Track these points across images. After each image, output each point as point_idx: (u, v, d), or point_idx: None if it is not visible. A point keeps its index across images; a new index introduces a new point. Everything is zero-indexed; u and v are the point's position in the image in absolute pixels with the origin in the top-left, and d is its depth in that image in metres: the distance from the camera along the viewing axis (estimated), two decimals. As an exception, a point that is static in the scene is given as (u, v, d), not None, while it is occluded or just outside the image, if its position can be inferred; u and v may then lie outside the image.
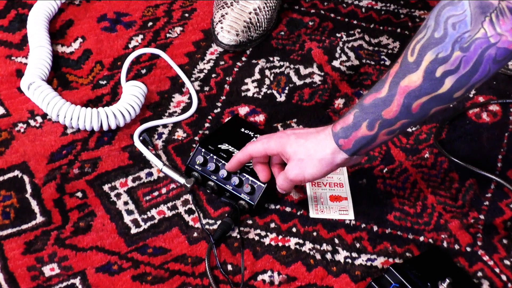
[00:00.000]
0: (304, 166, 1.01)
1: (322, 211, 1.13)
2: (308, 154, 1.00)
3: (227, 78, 1.31)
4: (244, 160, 1.08)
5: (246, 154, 1.06)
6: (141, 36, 1.36)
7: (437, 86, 0.90)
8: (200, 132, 1.23)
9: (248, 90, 1.29)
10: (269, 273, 1.06)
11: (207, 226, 1.10)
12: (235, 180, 1.10)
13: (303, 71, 1.33)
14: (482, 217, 1.14)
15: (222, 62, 1.33)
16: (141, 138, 1.20)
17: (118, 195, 1.13)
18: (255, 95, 1.29)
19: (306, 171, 1.01)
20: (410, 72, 0.91)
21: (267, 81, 1.31)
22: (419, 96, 0.91)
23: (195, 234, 1.09)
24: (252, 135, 1.15)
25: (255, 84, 1.30)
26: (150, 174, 1.16)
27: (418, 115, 0.94)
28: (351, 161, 1.01)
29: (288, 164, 1.03)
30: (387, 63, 1.35)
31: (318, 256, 1.08)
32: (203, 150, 1.13)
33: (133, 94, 1.21)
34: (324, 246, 1.09)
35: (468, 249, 1.10)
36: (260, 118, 1.25)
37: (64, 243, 1.07)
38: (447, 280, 0.98)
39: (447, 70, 0.88)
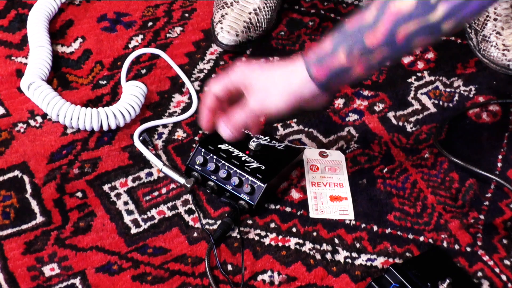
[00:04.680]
0: (267, 96, 0.93)
1: (322, 211, 1.13)
2: (273, 83, 0.92)
3: (227, 78, 1.31)
4: (211, 104, 0.98)
5: (211, 96, 0.98)
6: (141, 36, 1.36)
7: (429, 10, 0.86)
8: (200, 132, 1.23)
9: (248, 90, 1.29)
10: (269, 273, 1.06)
11: (207, 226, 1.10)
12: (235, 180, 1.10)
13: (303, 71, 1.33)
14: (482, 217, 1.14)
15: (222, 62, 1.33)
16: (141, 138, 1.20)
17: (118, 195, 1.13)
18: (255, 95, 1.28)
19: (269, 101, 0.93)
20: None
21: (267, 81, 1.31)
22: (408, 20, 0.87)
23: (195, 234, 1.09)
24: (251, 135, 1.15)
25: (255, 84, 1.30)
26: (150, 174, 1.16)
27: (401, 46, 0.89)
28: (316, 99, 0.95)
29: (249, 95, 0.94)
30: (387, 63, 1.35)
31: (318, 256, 1.08)
32: (203, 150, 1.13)
33: (133, 94, 1.21)
34: (324, 246, 1.09)
35: (468, 249, 1.11)
36: (260, 118, 1.25)
37: (64, 243, 1.07)
38: (447, 280, 0.98)
39: None
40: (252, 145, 1.13)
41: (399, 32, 0.88)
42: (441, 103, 1.29)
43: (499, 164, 1.22)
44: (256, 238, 1.10)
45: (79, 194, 1.13)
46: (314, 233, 1.11)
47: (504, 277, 1.08)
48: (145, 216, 1.11)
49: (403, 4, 0.87)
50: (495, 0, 0.88)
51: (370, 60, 0.91)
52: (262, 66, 0.94)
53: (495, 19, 1.33)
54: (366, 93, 1.29)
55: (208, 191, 1.14)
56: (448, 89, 1.31)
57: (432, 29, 0.88)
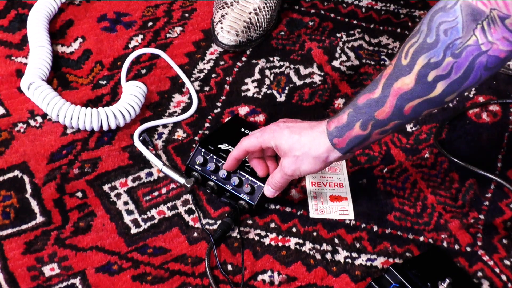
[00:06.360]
0: (300, 162, 1.02)
1: (322, 211, 1.13)
2: (303, 151, 1.01)
3: (227, 78, 1.31)
4: (240, 156, 1.08)
5: (242, 150, 1.07)
6: (141, 36, 1.36)
7: (429, 89, 0.91)
8: (200, 132, 1.23)
9: (248, 90, 1.29)
10: (269, 273, 1.06)
11: (207, 226, 1.10)
12: (235, 180, 1.10)
13: (303, 71, 1.33)
14: (482, 217, 1.14)
15: (222, 62, 1.33)
16: (141, 138, 1.20)
17: (118, 195, 1.13)
18: (255, 95, 1.29)
19: (301, 167, 1.03)
20: (403, 75, 0.92)
21: (267, 81, 1.31)
22: (411, 98, 0.93)
23: (195, 234, 1.09)
24: None
25: (255, 84, 1.30)
26: (150, 174, 1.16)
27: (410, 116, 0.96)
28: (343, 158, 1.04)
29: (284, 160, 1.04)
30: (387, 63, 1.34)
31: (318, 256, 1.08)
32: (203, 150, 1.13)
33: (133, 94, 1.21)
34: (324, 246, 1.09)
35: (468, 249, 1.11)
36: (260, 118, 1.25)
37: (64, 243, 1.07)
38: (447, 280, 0.98)
39: (439, 75, 0.90)
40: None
41: (405, 107, 0.94)
42: (441, 103, 1.29)
43: (499, 164, 1.21)
44: (256, 238, 1.10)
45: (79, 194, 1.13)
46: (314, 233, 1.11)
47: (504, 277, 1.08)
48: (145, 216, 1.11)
49: (404, 83, 0.92)
50: (496, 71, 0.90)
51: (384, 129, 0.98)
52: (291, 131, 1.02)
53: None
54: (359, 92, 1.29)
55: (208, 191, 1.14)
56: (448, 89, 1.31)
57: (436, 102, 0.93)
